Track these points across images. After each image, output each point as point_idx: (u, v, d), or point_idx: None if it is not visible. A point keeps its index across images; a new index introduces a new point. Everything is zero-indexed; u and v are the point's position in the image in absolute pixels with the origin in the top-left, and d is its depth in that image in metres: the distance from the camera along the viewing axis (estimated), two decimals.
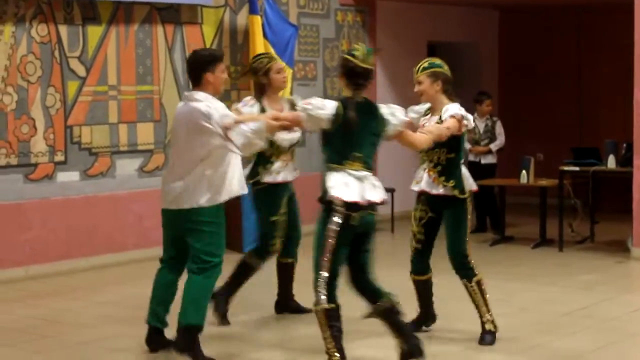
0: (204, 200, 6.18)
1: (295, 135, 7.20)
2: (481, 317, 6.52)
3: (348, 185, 5.58)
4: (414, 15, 13.27)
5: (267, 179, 7.20)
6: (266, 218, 7.29)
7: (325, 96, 12.16)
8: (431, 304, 6.81)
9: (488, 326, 6.50)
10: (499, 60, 14.97)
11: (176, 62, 10.41)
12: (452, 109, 6.32)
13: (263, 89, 7.25)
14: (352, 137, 5.64)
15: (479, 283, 6.48)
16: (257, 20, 10.76)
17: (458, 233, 6.44)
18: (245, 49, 11.00)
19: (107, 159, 9.85)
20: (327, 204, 5.59)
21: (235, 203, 10.36)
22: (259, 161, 7.23)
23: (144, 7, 10.10)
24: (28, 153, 9.22)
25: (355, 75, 5.70)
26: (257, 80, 7.30)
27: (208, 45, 10.69)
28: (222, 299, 7.19)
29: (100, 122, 9.79)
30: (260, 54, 8.01)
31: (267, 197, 7.27)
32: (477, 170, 11.56)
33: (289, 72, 11.22)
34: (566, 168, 10.62)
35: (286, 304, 7.55)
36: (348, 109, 5.64)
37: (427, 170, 6.45)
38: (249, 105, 7.18)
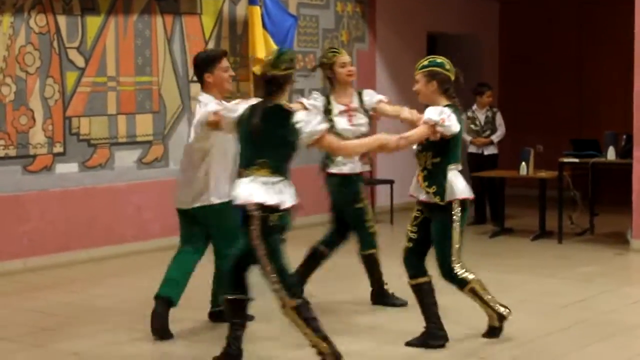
0: (214, 198, 6.38)
1: (360, 127, 7.25)
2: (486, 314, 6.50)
3: (254, 190, 5.48)
4: (413, 6, 13.24)
5: (333, 169, 7.26)
6: (348, 208, 7.37)
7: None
8: (433, 316, 6.28)
9: (490, 322, 6.47)
10: (500, 51, 14.95)
11: (175, 53, 10.39)
12: (427, 113, 6.05)
13: (332, 83, 7.36)
14: (257, 143, 5.54)
15: (472, 290, 6.27)
16: (257, 10, 10.74)
17: (442, 244, 6.15)
18: (244, 40, 10.98)
19: (106, 151, 9.83)
20: (243, 212, 5.51)
21: None
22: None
23: None
24: (27, 144, 9.20)
25: (264, 82, 5.62)
26: (325, 74, 7.42)
27: (207, 36, 10.67)
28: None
29: (99, 113, 9.76)
30: (329, 48, 8.00)
31: (339, 187, 7.34)
32: (480, 162, 11.60)
33: None
34: (566, 160, 10.60)
35: (381, 295, 7.53)
36: (253, 115, 5.56)
37: (417, 174, 6.26)
38: (313, 99, 7.31)
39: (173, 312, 6.56)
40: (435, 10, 13.53)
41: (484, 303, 6.37)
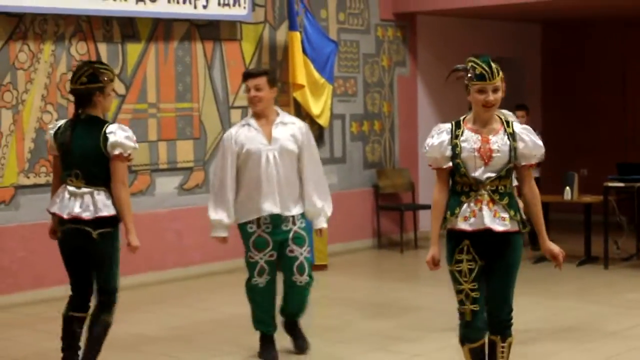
0: None
1: None
2: None
3: (57, 199, 5.84)
4: (455, 30, 13.16)
5: None
6: None
7: (366, 112, 12.10)
8: None
9: None
10: (542, 74, 14.82)
11: (215, 79, 10.39)
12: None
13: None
14: (68, 154, 5.76)
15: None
16: (297, 36, 10.73)
17: None
18: (284, 65, 10.96)
19: (147, 177, 9.83)
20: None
21: None
22: None
23: (183, 24, 10.10)
24: None
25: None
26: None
27: (247, 62, 10.68)
28: None
29: (139, 139, 9.61)
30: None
31: None
32: None
33: (328, 88, 11.20)
34: (611, 184, 10.45)
35: None
36: (64, 128, 5.80)
37: None
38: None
39: None
40: (476, 34, 13.44)
41: None
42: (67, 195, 5.79)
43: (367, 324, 7.80)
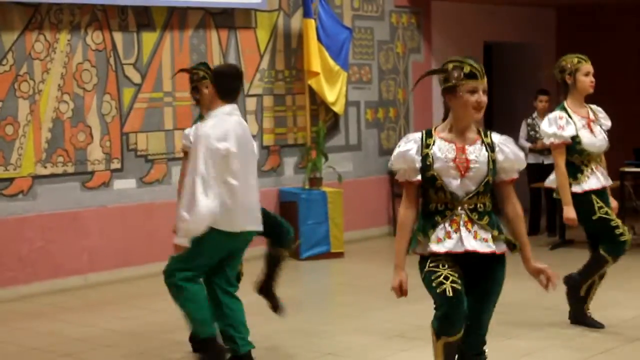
0: None
1: (604, 141, 7.02)
2: None
3: None
4: (469, 15, 13.13)
5: (575, 189, 6.89)
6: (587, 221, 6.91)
7: (380, 99, 12.09)
8: None
9: None
10: (557, 60, 14.73)
11: None
12: None
13: (567, 90, 7.10)
14: None
15: None
16: (311, 23, 10.73)
17: None
18: (299, 53, 10.96)
19: (163, 166, 9.86)
20: None
21: (291, 208, 10.37)
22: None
23: (198, 13, 10.10)
24: (85, 161, 9.26)
25: None
26: (562, 78, 7.14)
27: (262, 50, 10.68)
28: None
29: (155, 128, 9.79)
30: (574, 55, 7.46)
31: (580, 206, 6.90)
32: (540, 172, 11.42)
33: (343, 76, 11.19)
34: (627, 169, 10.43)
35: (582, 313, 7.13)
36: None
37: None
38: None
39: None
40: (491, 20, 13.40)
41: None
42: None
43: (384, 311, 7.81)
